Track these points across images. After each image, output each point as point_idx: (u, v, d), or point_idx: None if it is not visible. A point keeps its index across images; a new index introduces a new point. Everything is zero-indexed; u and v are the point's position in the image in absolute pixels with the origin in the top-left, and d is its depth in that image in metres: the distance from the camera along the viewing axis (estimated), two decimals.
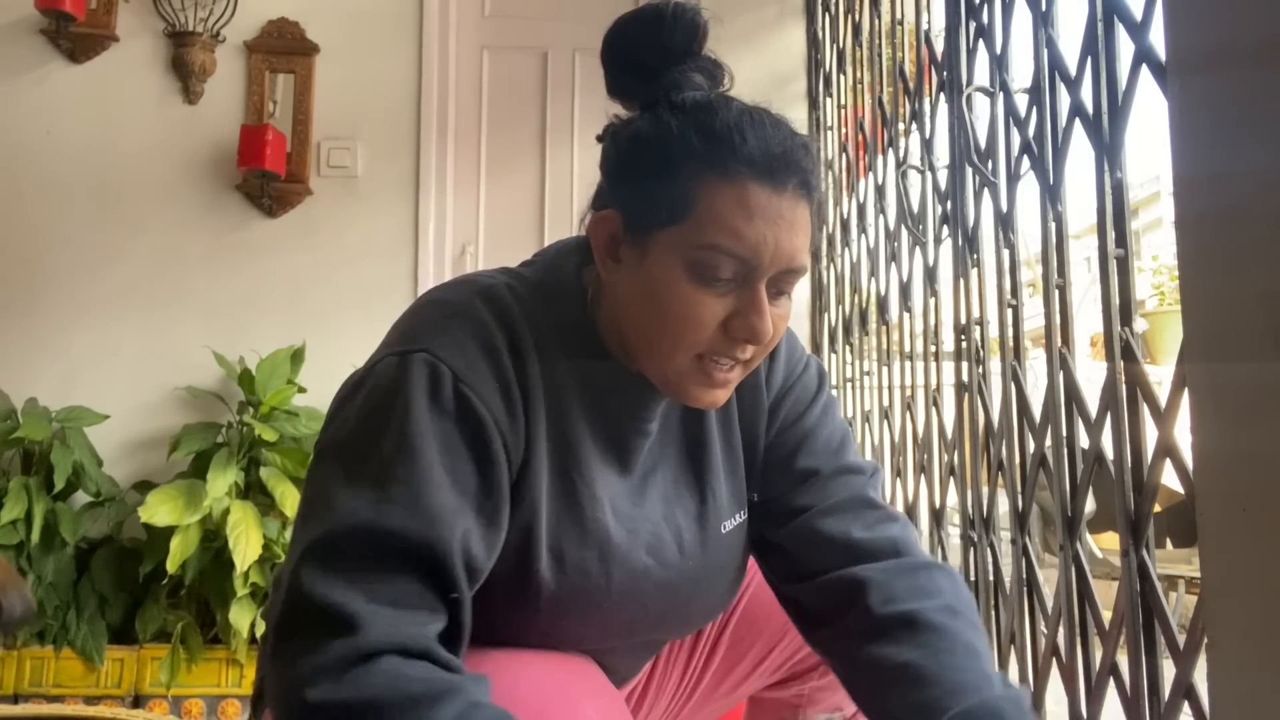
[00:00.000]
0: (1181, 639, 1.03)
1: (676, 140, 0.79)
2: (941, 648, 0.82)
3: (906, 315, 2.12)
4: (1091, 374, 1.40)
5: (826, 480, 0.93)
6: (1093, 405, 1.23)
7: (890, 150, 2.26)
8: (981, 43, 1.61)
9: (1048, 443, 1.35)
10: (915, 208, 2.01)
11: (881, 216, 2.33)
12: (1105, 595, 1.70)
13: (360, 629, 0.67)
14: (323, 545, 0.71)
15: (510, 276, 0.88)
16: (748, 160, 0.78)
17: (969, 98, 1.67)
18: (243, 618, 2.35)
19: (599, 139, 0.88)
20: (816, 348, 2.95)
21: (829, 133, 2.85)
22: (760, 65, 3.04)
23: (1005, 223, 1.53)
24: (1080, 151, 1.25)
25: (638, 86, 0.84)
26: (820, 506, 0.91)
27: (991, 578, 1.60)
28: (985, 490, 1.62)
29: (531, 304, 0.84)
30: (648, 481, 0.90)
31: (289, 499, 2.46)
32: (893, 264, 2.21)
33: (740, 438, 0.95)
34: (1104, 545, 3.02)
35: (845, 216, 2.67)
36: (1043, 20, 1.37)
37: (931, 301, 1.94)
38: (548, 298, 0.85)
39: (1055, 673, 1.32)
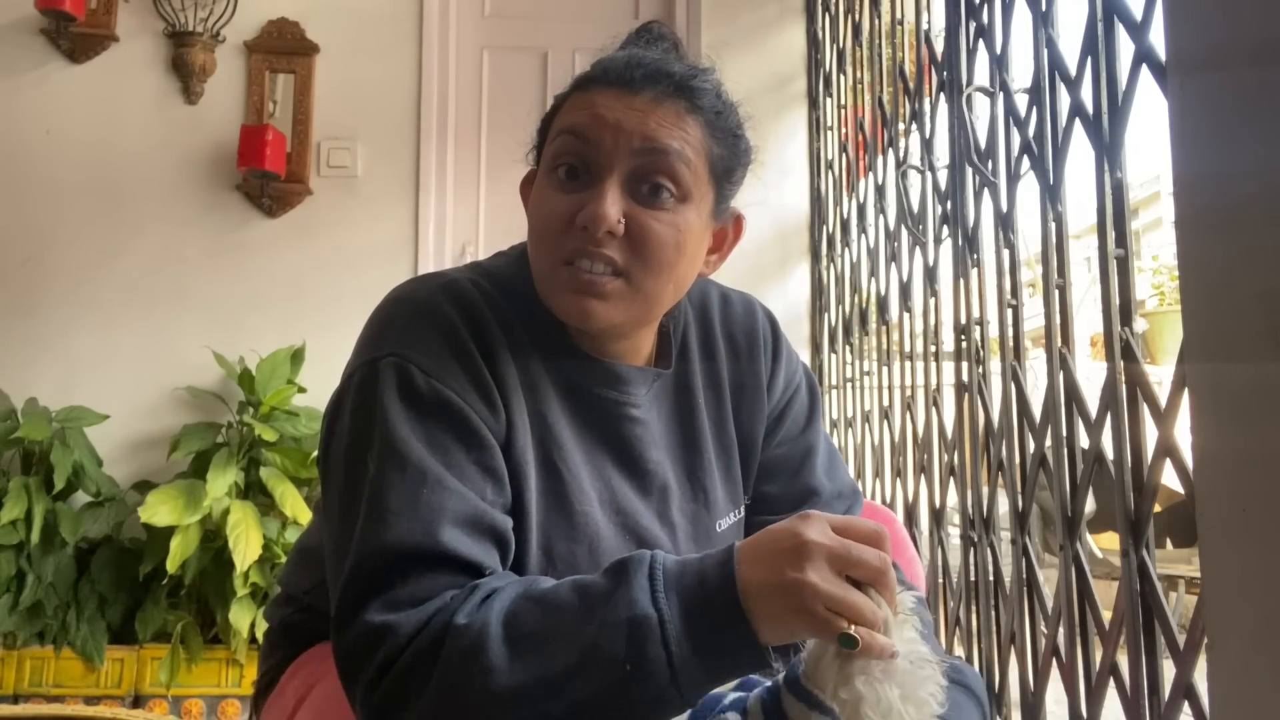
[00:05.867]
0: (1181, 639, 1.03)
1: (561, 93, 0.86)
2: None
3: (906, 315, 2.12)
4: (1091, 374, 1.40)
5: (826, 504, 0.97)
6: (1093, 405, 1.23)
7: (890, 150, 2.26)
8: (981, 43, 1.61)
9: (1048, 443, 1.35)
10: (915, 208, 2.01)
11: (881, 216, 2.33)
12: (1105, 595, 1.70)
13: (398, 634, 0.69)
14: (347, 584, 0.72)
15: (476, 272, 0.87)
16: (600, 74, 0.82)
17: (969, 98, 1.67)
18: (243, 618, 2.35)
19: None
20: (816, 348, 2.95)
21: (829, 133, 2.85)
22: (760, 65, 3.04)
23: (1005, 223, 1.53)
24: (1080, 151, 1.26)
25: None
26: None
27: (991, 578, 1.60)
28: (985, 490, 1.62)
29: (497, 298, 0.84)
30: (647, 477, 0.89)
31: (289, 499, 2.46)
32: (893, 264, 2.21)
33: (735, 436, 0.95)
34: (1104, 545, 3.02)
35: (845, 216, 2.67)
36: (1043, 20, 1.37)
37: (931, 301, 1.94)
38: (513, 292, 0.85)
39: (1055, 673, 1.32)
